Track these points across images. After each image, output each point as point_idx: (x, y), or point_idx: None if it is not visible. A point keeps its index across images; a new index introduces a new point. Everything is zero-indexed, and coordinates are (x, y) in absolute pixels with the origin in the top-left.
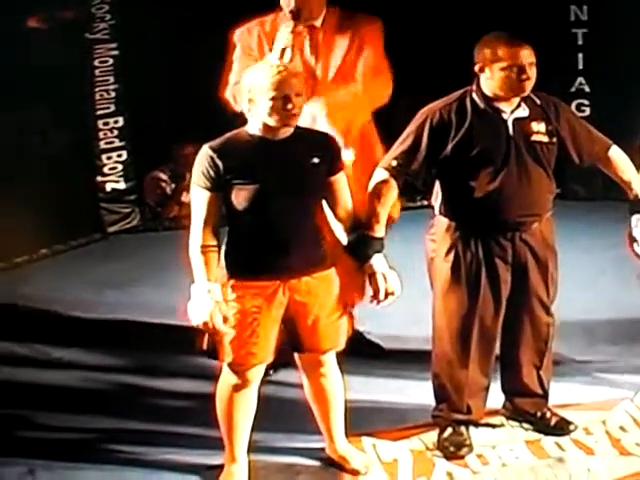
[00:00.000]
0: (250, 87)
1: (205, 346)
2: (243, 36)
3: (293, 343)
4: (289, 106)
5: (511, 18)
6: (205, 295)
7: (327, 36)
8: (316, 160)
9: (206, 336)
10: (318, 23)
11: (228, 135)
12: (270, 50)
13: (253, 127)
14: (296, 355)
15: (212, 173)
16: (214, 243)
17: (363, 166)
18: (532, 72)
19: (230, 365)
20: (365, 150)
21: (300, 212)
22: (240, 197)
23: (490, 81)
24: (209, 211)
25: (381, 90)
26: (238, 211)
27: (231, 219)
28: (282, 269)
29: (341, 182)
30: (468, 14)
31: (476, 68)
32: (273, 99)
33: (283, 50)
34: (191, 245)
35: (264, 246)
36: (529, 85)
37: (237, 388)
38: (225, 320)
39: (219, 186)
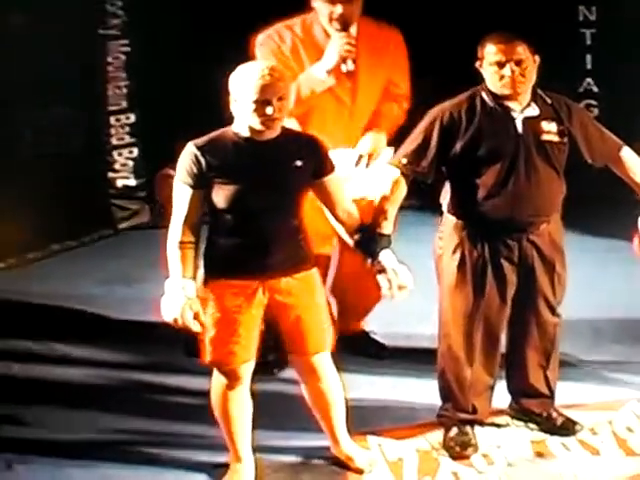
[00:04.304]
0: (234, 88)
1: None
2: (273, 41)
3: (283, 342)
4: (269, 110)
5: (519, 18)
6: (178, 291)
7: (363, 45)
8: (299, 162)
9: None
10: (353, 31)
11: (214, 133)
12: (307, 55)
13: (238, 127)
14: (289, 357)
15: (195, 170)
16: (192, 240)
17: None
18: (524, 68)
19: (212, 365)
20: None
21: (280, 213)
22: (221, 195)
23: (486, 78)
24: (190, 208)
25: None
26: (218, 209)
27: (211, 217)
28: (261, 269)
29: (333, 184)
30: (476, 14)
31: (477, 65)
32: (254, 102)
33: (343, 60)
34: (169, 240)
35: (243, 245)
36: (521, 82)
37: (228, 388)
38: (196, 317)
39: (201, 183)
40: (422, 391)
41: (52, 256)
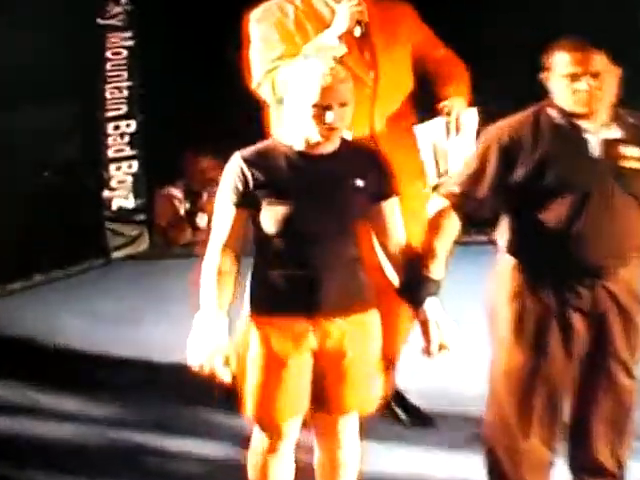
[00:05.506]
0: (287, 89)
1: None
2: (273, 14)
3: (315, 398)
4: (329, 117)
5: (582, 26)
6: (208, 328)
7: (375, 22)
8: (360, 182)
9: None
10: None
11: (263, 143)
12: (314, 29)
13: (289, 137)
14: (311, 413)
15: (240, 186)
16: (232, 268)
17: None
18: (599, 82)
19: (254, 420)
20: None
21: (336, 240)
22: (269, 217)
23: (554, 92)
24: (233, 230)
25: None
26: (266, 234)
27: (258, 243)
28: (312, 305)
29: (390, 210)
30: (536, 21)
31: (542, 76)
32: (313, 107)
33: (357, 23)
34: (204, 266)
35: (292, 277)
36: (599, 99)
37: (269, 451)
38: (227, 362)
39: (247, 202)
40: (461, 466)
41: (34, 288)
